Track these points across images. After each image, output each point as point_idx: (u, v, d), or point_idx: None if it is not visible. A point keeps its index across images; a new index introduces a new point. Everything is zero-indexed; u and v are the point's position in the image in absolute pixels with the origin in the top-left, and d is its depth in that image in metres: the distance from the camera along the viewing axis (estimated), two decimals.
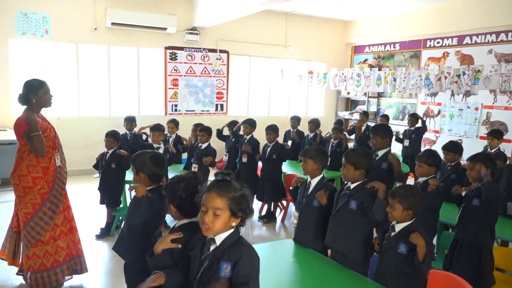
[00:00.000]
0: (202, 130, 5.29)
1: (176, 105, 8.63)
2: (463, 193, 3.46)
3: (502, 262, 3.44)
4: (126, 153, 4.67)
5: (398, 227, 2.55)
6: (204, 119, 8.74)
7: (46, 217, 3.44)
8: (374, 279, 2.60)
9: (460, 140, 7.86)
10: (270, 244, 3.29)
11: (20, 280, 3.61)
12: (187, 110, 8.77)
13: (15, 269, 3.65)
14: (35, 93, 3.38)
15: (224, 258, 1.74)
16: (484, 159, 3.28)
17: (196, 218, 2.04)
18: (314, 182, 3.13)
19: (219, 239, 1.79)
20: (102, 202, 4.90)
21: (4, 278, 3.67)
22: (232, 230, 1.80)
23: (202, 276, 1.78)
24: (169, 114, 8.47)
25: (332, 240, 2.91)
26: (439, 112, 8.37)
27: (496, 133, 5.43)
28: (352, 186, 2.92)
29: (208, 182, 1.84)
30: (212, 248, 1.79)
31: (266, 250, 3.03)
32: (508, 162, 4.68)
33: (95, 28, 7.56)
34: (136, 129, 6.11)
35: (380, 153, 4.06)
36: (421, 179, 3.55)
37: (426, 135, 8.44)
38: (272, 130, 5.43)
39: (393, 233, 2.56)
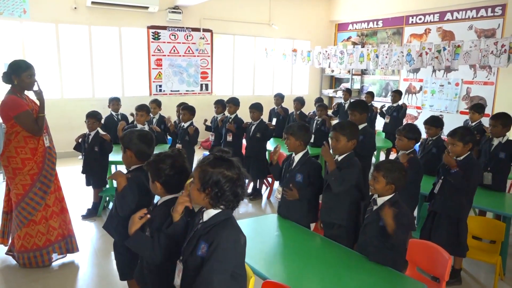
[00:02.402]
0: (184, 109, 5.30)
1: (160, 86, 8.57)
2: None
3: (478, 230, 3.60)
4: (109, 137, 4.66)
5: (380, 200, 2.63)
6: (189, 99, 8.70)
7: (37, 198, 3.47)
8: (357, 250, 2.71)
9: (441, 115, 8.00)
10: (255, 219, 3.37)
11: (10, 260, 3.65)
12: (171, 91, 8.72)
13: (4, 249, 3.69)
14: (18, 75, 3.34)
15: (204, 237, 1.76)
16: (464, 133, 3.38)
17: (179, 194, 2.08)
18: (297, 157, 3.21)
19: (207, 215, 1.81)
20: (88, 184, 4.91)
21: None
22: (221, 208, 1.79)
23: (187, 246, 1.84)
24: (154, 94, 8.41)
25: (325, 213, 3.02)
26: (421, 88, 8.50)
27: (477, 107, 5.53)
28: (340, 158, 3.00)
29: (196, 162, 1.86)
30: (200, 222, 1.84)
31: (251, 224, 3.11)
32: (486, 134, 4.80)
33: (75, 8, 7.40)
34: (121, 110, 6.12)
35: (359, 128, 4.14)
36: (401, 153, 3.64)
37: (408, 111, 8.59)
38: (255, 108, 5.46)
39: (375, 207, 2.64)
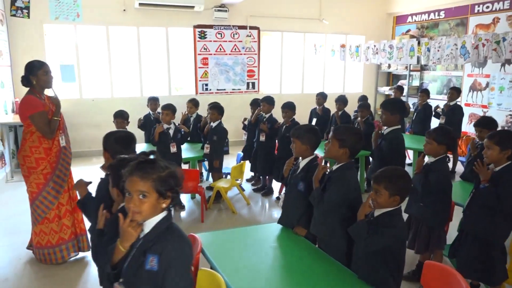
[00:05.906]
0: (211, 108, 5.17)
1: (206, 84, 8.58)
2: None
3: None
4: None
5: (378, 212, 2.29)
6: (235, 98, 8.69)
7: (50, 196, 3.55)
8: (352, 267, 2.38)
9: (510, 115, 7.12)
10: (255, 227, 3.14)
11: (29, 255, 3.78)
12: (218, 89, 8.70)
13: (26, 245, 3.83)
14: (34, 74, 3.45)
15: (151, 250, 1.64)
16: (504, 137, 2.87)
17: None
18: (302, 163, 2.92)
19: (149, 225, 1.68)
20: None
21: (16, 254, 3.85)
22: (163, 214, 1.69)
23: (129, 265, 1.69)
24: (200, 93, 8.45)
25: (313, 225, 2.71)
26: (487, 84, 7.60)
27: None
28: (335, 167, 2.67)
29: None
30: (141, 235, 1.69)
31: (250, 233, 2.89)
32: None
33: (124, 10, 7.64)
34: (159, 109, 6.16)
35: (387, 130, 3.72)
36: (427, 159, 3.18)
37: (472, 110, 7.78)
38: (288, 108, 5.20)
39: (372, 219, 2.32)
